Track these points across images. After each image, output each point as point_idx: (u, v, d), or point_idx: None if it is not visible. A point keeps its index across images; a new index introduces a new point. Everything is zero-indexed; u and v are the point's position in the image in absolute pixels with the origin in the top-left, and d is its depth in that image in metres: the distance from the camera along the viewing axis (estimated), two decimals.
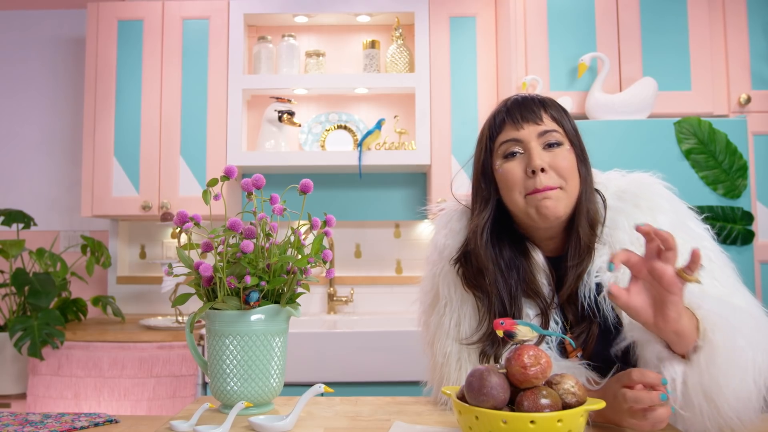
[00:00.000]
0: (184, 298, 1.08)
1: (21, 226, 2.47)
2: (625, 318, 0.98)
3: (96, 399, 2.17)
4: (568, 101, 2.20)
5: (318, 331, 2.18)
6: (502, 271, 1.06)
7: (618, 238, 1.03)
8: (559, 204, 1.01)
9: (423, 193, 2.81)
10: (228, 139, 2.54)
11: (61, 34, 2.96)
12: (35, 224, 2.51)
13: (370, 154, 2.54)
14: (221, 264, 1.02)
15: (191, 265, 1.05)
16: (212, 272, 1.01)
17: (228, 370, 1.04)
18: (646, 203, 1.04)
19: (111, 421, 1.08)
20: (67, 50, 2.95)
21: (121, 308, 2.74)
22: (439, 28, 2.57)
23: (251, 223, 1.04)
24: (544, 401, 0.75)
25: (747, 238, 2.05)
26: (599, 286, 1.02)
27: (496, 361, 1.02)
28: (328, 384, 0.99)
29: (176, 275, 1.06)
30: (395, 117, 2.75)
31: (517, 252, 1.09)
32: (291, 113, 2.58)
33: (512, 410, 0.78)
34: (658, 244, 0.84)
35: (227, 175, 1.04)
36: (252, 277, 1.02)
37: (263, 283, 1.03)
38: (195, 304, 1.35)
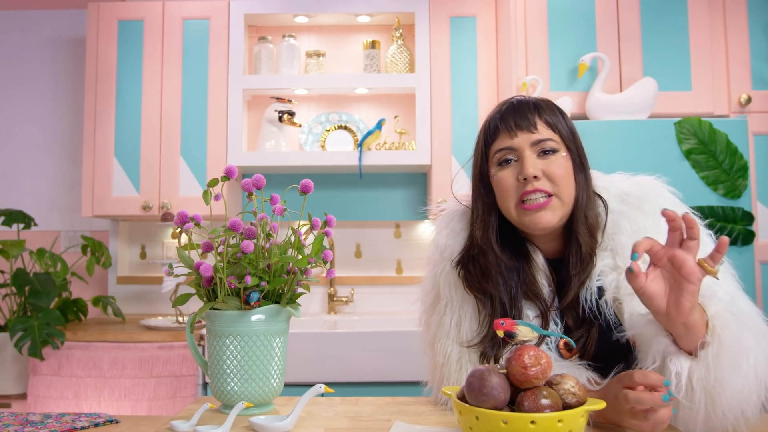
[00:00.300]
0: (184, 299, 1.08)
1: (21, 226, 2.47)
2: (627, 321, 0.98)
3: (96, 399, 2.18)
4: (568, 101, 2.20)
5: (318, 332, 2.18)
6: (502, 273, 1.06)
7: (620, 242, 1.03)
8: (553, 215, 1.01)
9: (423, 193, 2.81)
10: (228, 139, 2.54)
11: (62, 34, 2.96)
12: (35, 224, 2.51)
13: (371, 154, 2.54)
14: (221, 264, 1.02)
15: (192, 266, 1.05)
16: (213, 272, 1.01)
17: (228, 371, 1.04)
18: (649, 207, 1.04)
19: (111, 421, 1.08)
20: (68, 50, 2.95)
21: (122, 308, 2.74)
22: (439, 28, 2.57)
23: (252, 224, 1.04)
24: (544, 401, 0.75)
25: (747, 238, 2.05)
26: (600, 290, 1.02)
27: (496, 362, 1.02)
28: (328, 384, 0.99)
29: (177, 275, 1.06)
30: (395, 117, 2.75)
31: (518, 254, 1.09)
32: (291, 113, 2.58)
33: (512, 410, 0.78)
34: (681, 234, 0.84)
35: (227, 176, 1.04)
36: (252, 277, 1.02)
37: (263, 283, 1.03)
38: (195, 304, 1.35)
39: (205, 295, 1.07)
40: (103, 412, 2.15)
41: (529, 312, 1.06)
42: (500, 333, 0.83)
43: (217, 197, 1.06)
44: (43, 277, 2.26)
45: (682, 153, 2.08)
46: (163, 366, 2.18)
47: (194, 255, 1.09)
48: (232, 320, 1.03)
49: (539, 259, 1.08)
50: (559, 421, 0.74)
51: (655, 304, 0.86)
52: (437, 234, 1.18)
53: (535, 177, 1.00)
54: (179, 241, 1.07)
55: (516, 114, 1.04)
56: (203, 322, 1.09)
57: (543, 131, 1.03)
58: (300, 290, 1.10)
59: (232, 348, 1.03)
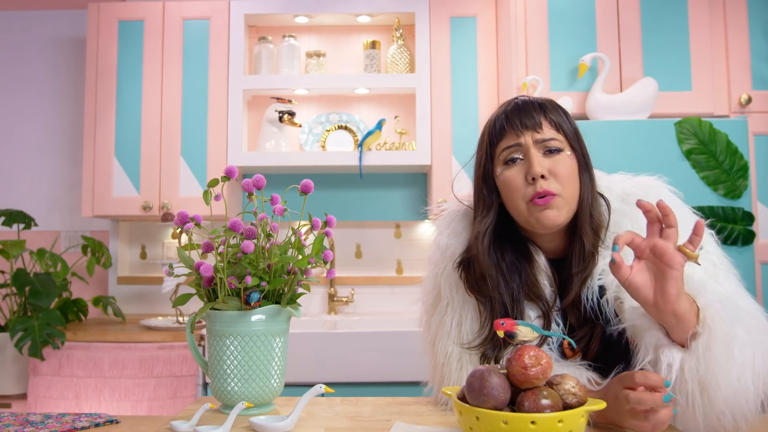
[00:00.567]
0: (184, 299, 1.08)
1: (22, 226, 2.47)
2: (628, 329, 0.98)
3: (97, 399, 2.18)
4: (568, 102, 2.20)
5: (318, 332, 2.18)
6: (504, 274, 1.06)
7: None
8: (560, 213, 1.02)
9: (423, 193, 2.81)
10: (228, 139, 2.54)
11: (62, 35, 2.96)
12: (36, 224, 2.51)
13: (371, 154, 2.54)
14: (222, 264, 1.02)
15: (192, 266, 1.05)
16: (213, 273, 1.01)
17: (228, 371, 1.04)
18: None
19: (112, 421, 1.08)
20: (68, 50, 2.95)
21: (122, 308, 2.74)
22: (439, 29, 2.57)
23: (252, 224, 1.04)
24: (544, 402, 0.75)
25: (748, 238, 2.05)
26: (602, 289, 1.02)
27: (497, 363, 1.02)
28: (328, 384, 0.99)
29: (177, 275, 1.06)
30: (396, 117, 2.75)
31: (520, 255, 1.09)
32: (291, 113, 2.58)
33: (513, 411, 0.78)
34: (659, 225, 0.86)
35: (228, 176, 1.04)
36: (252, 277, 1.02)
37: (264, 283, 1.03)
38: (195, 304, 1.35)
39: (205, 296, 1.07)
40: (104, 412, 2.15)
41: (531, 313, 1.06)
42: (500, 333, 0.83)
43: (217, 197, 1.06)
44: (44, 278, 2.26)
45: (683, 153, 2.08)
46: (164, 366, 2.18)
47: (194, 255, 1.09)
48: (233, 320, 1.03)
49: (541, 260, 1.08)
50: (559, 421, 0.74)
51: (642, 294, 0.87)
52: (438, 234, 1.18)
53: (542, 176, 1.00)
54: (179, 242, 1.07)
55: (521, 113, 1.04)
56: (203, 323, 1.09)
57: (548, 131, 1.03)
58: (300, 290, 1.10)
59: (233, 348, 1.03)
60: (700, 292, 0.90)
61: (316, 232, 1.09)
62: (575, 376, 0.93)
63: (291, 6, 2.64)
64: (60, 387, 2.20)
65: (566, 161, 1.03)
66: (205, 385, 2.22)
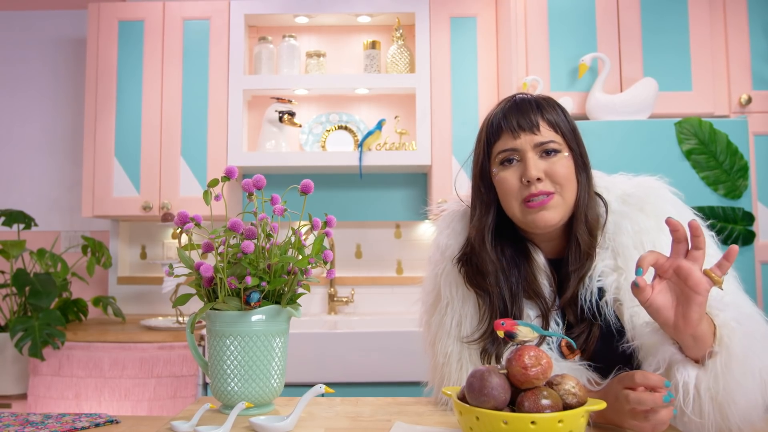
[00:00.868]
0: (184, 299, 1.08)
1: (22, 226, 2.47)
2: (628, 322, 0.98)
3: (97, 399, 2.18)
4: (568, 102, 2.20)
5: (318, 332, 2.18)
6: (503, 269, 1.06)
7: (622, 243, 1.03)
8: (555, 214, 1.01)
9: (423, 193, 2.81)
10: (229, 139, 2.54)
11: (62, 35, 2.96)
12: (36, 225, 2.51)
13: (371, 154, 2.54)
14: (222, 264, 1.02)
15: (192, 266, 1.05)
16: (213, 273, 1.01)
17: (229, 371, 1.04)
18: (651, 208, 1.04)
19: (112, 421, 1.08)
20: (68, 50, 2.95)
21: (122, 309, 2.74)
22: (439, 29, 2.57)
23: (252, 224, 1.04)
24: (544, 402, 0.75)
25: (748, 238, 2.05)
26: (601, 290, 1.02)
27: (498, 359, 1.02)
28: (328, 384, 0.99)
29: (177, 276, 1.06)
30: (396, 117, 2.75)
31: (519, 252, 1.09)
32: (291, 114, 2.58)
33: (513, 411, 0.78)
34: (686, 244, 0.83)
35: (228, 176, 1.04)
36: (253, 277, 1.02)
37: (264, 283, 1.03)
38: (195, 304, 1.35)
39: (205, 296, 1.07)
40: (104, 412, 2.15)
41: (531, 312, 1.06)
42: (500, 333, 0.83)
43: (217, 197, 1.06)
44: (44, 278, 2.26)
45: (683, 153, 2.08)
46: (164, 366, 2.18)
47: (194, 255, 1.09)
48: (233, 320, 1.03)
49: (540, 259, 1.08)
50: (559, 421, 0.74)
51: (662, 316, 0.85)
52: (438, 234, 1.18)
53: (538, 179, 1.00)
54: (179, 242, 1.07)
55: (519, 114, 1.04)
56: (203, 323, 1.09)
57: (546, 132, 1.02)
58: (300, 290, 1.10)
59: (233, 348, 1.03)
60: (718, 308, 0.88)
61: (316, 232, 1.09)
62: (575, 376, 0.93)
63: (291, 6, 2.64)
64: (60, 387, 2.20)
65: (563, 162, 1.02)
66: (205, 385, 2.22)
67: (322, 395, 1.04)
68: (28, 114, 2.93)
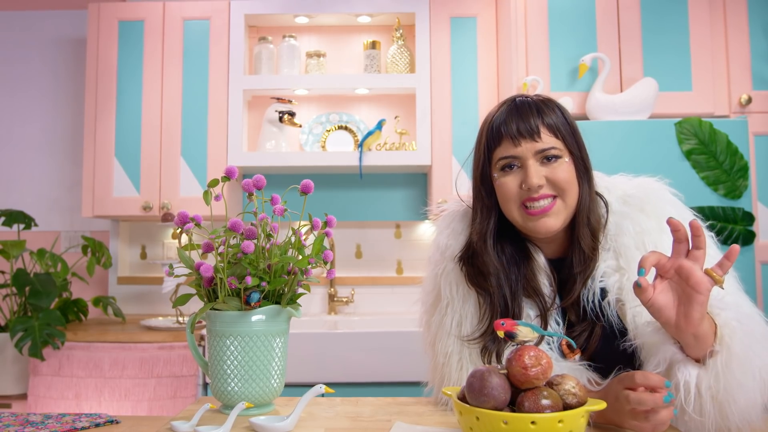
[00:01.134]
0: (184, 299, 1.08)
1: (22, 226, 2.47)
2: (630, 322, 0.98)
3: (97, 399, 2.18)
4: (568, 102, 2.20)
5: (319, 332, 2.18)
6: (504, 268, 1.07)
7: (623, 243, 1.03)
8: (557, 220, 1.02)
9: (424, 193, 2.81)
10: (229, 139, 2.54)
11: (62, 35, 2.96)
12: (36, 225, 2.51)
13: (371, 154, 2.54)
14: (222, 264, 1.02)
15: (192, 266, 1.05)
16: (213, 273, 1.01)
17: (229, 371, 1.04)
18: (651, 208, 1.04)
19: (112, 421, 1.08)
20: (68, 51, 2.95)
21: (122, 309, 2.74)
22: (439, 29, 2.57)
23: (252, 224, 1.04)
24: (545, 402, 0.75)
25: (748, 238, 2.05)
26: (603, 291, 1.02)
27: (498, 358, 1.02)
28: (328, 384, 0.99)
29: (177, 276, 1.06)
30: (396, 117, 2.75)
31: (519, 251, 1.09)
32: (292, 114, 2.58)
33: (513, 411, 0.78)
34: (687, 244, 0.84)
35: (228, 176, 1.04)
36: (253, 277, 1.02)
37: (264, 283, 1.03)
38: (196, 304, 1.35)
39: (205, 296, 1.07)
40: (104, 412, 2.15)
41: (530, 312, 1.06)
42: (500, 333, 0.83)
43: (217, 197, 1.06)
44: (44, 278, 2.26)
45: (683, 153, 2.08)
46: (164, 366, 2.18)
47: (195, 255, 1.09)
48: (233, 321, 1.03)
49: (540, 259, 1.08)
50: (559, 421, 0.74)
51: (664, 315, 0.85)
52: (438, 234, 1.18)
53: (539, 186, 1.00)
54: (180, 242, 1.07)
55: (519, 119, 1.03)
56: (204, 323, 1.09)
57: (546, 138, 1.02)
58: (300, 291, 1.10)
59: (233, 348, 1.03)
60: (719, 308, 0.89)
61: (316, 233, 1.09)
62: (575, 376, 0.93)
63: (291, 6, 2.64)
64: (60, 387, 2.20)
65: (564, 167, 1.02)
66: (206, 385, 2.22)
67: (322, 395, 1.04)
68: (28, 114, 2.93)
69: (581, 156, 1.06)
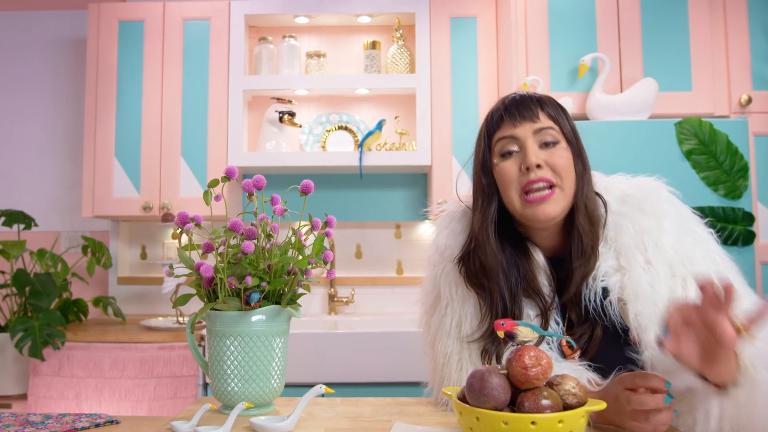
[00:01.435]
0: (184, 299, 1.08)
1: (22, 226, 2.47)
2: (633, 322, 0.98)
3: (97, 399, 2.18)
4: (568, 102, 2.20)
5: (319, 332, 2.18)
6: (503, 267, 1.07)
7: (623, 243, 1.04)
8: (556, 206, 1.02)
9: (424, 193, 2.81)
10: (229, 139, 2.54)
11: (62, 35, 2.96)
12: (36, 225, 2.51)
13: (371, 154, 2.54)
14: (222, 265, 1.02)
15: (192, 266, 1.05)
16: (213, 273, 1.01)
17: (229, 371, 1.04)
18: (650, 207, 1.05)
19: (112, 421, 1.08)
20: (68, 51, 2.95)
21: (122, 309, 2.74)
22: (439, 29, 2.57)
23: (252, 224, 1.04)
24: (545, 402, 0.75)
25: (748, 238, 2.05)
26: (605, 291, 1.02)
27: (498, 359, 1.02)
28: (328, 385, 0.99)
29: (177, 276, 1.06)
30: (396, 118, 2.75)
31: (518, 250, 1.09)
32: (292, 114, 2.58)
33: (513, 411, 0.78)
34: (716, 301, 0.79)
35: (228, 176, 1.04)
36: (253, 277, 1.02)
37: (264, 283, 1.03)
38: (196, 304, 1.35)
39: (205, 296, 1.07)
40: (104, 412, 2.15)
41: (530, 311, 1.06)
42: (500, 334, 0.83)
43: (217, 198, 1.06)
44: (44, 278, 2.26)
45: (683, 153, 2.08)
46: (164, 366, 2.18)
47: (195, 255, 1.09)
48: (233, 321, 1.03)
49: (539, 258, 1.08)
50: (559, 421, 0.74)
51: (688, 364, 0.83)
52: (437, 235, 1.18)
53: (537, 165, 1.01)
54: (180, 242, 1.07)
55: (520, 105, 1.06)
56: (204, 323, 1.09)
57: (545, 121, 1.05)
58: (300, 291, 1.10)
59: (233, 348, 1.03)
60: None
61: (316, 233, 1.09)
62: (575, 376, 0.93)
63: (291, 6, 2.64)
64: (60, 387, 2.20)
65: (562, 153, 1.04)
66: (206, 385, 2.22)
67: (323, 395, 1.04)
68: (28, 114, 2.93)
69: (578, 146, 1.07)
